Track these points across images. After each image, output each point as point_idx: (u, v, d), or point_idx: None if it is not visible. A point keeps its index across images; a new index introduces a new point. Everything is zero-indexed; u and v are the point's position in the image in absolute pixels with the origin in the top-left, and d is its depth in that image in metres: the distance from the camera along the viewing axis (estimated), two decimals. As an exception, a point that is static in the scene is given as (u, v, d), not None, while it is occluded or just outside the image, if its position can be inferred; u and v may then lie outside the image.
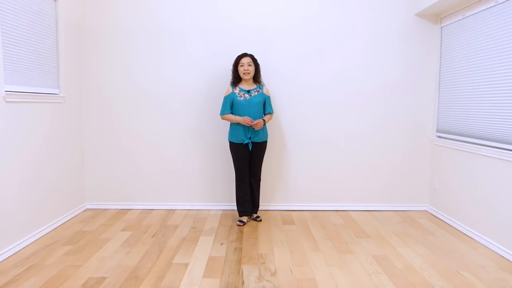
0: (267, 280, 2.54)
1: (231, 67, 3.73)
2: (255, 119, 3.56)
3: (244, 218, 3.71)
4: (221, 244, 3.19)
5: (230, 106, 3.63)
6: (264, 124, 3.64)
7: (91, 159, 4.16)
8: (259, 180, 3.83)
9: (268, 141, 3.91)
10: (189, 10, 4.03)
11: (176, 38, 4.05)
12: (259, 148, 3.70)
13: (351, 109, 4.12)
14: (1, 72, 2.81)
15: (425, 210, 4.19)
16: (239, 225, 3.63)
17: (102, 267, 2.72)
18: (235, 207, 4.07)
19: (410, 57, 4.07)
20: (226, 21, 4.04)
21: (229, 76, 3.85)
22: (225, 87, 3.97)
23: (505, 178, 2.98)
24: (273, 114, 3.84)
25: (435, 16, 4.02)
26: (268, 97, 3.73)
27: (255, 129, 3.56)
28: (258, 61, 3.76)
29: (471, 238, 3.36)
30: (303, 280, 2.55)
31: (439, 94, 4.02)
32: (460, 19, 3.61)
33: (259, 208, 4.08)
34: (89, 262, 2.80)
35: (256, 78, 3.69)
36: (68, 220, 3.77)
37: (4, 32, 2.86)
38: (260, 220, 3.79)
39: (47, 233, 3.41)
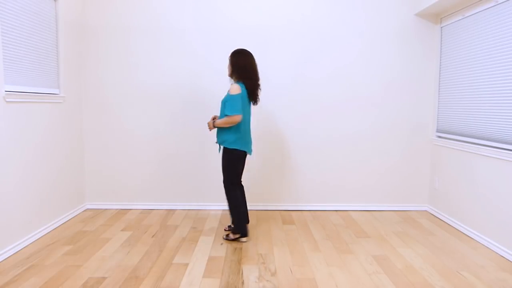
0: (267, 280, 2.54)
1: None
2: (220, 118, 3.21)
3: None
4: (221, 244, 3.19)
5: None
6: (215, 127, 3.20)
7: (91, 159, 4.16)
8: (225, 189, 3.27)
9: (230, 150, 3.16)
10: (189, 9, 4.03)
11: (176, 38, 4.05)
12: (222, 152, 3.28)
13: (351, 109, 4.12)
14: (1, 72, 2.81)
15: (425, 210, 4.19)
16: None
17: (102, 267, 2.72)
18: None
19: (410, 57, 4.07)
20: (226, 20, 4.04)
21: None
22: (226, 87, 3.99)
23: (505, 178, 2.97)
24: (232, 117, 3.04)
25: (435, 16, 4.02)
26: (230, 97, 3.05)
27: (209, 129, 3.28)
28: (257, 60, 3.66)
29: (471, 238, 3.36)
30: (303, 280, 2.55)
31: (439, 94, 4.02)
32: (460, 19, 3.61)
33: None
34: (89, 262, 2.80)
35: (232, 76, 3.24)
36: (68, 220, 3.77)
37: (4, 32, 2.86)
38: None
39: (47, 233, 3.41)
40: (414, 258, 2.91)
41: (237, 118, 3.04)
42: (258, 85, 3.21)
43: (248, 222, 3.31)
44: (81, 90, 4.09)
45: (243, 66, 3.15)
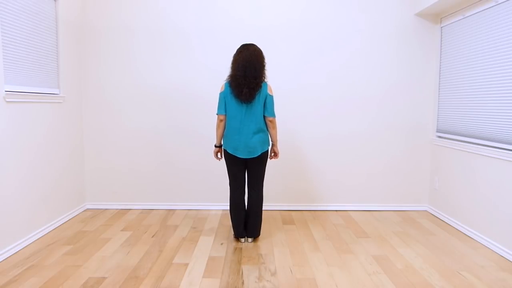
0: (267, 280, 2.54)
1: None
2: None
3: None
4: (221, 244, 3.19)
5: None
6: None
7: (91, 159, 4.16)
8: None
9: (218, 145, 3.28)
10: (189, 9, 4.03)
11: (177, 37, 4.05)
12: None
13: (351, 109, 4.11)
14: (1, 72, 2.81)
15: (425, 210, 4.19)
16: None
17: (102, 267, 2.72)
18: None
19: (410, 57, 4.07)
20: (228, 20, 4.03)
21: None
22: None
23: (505, 178, 2.97)
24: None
25: (435, 16, 4.02)
26: None
27: None
28: None
29: (471, 238, 3.36)
30: (303, 280, 2.55)
31: (439, 94, 4.02)
32: (460, 19, 3.61)
33: None
34: (89, 262, 2.80)
35: None
36: (68, 220, 3.77)
37: (4, 32, 2.86)
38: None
39: (47, 233, 3.41)
40: (414, 258, 2.91)
41: (218, 117, 3.12)
42: (242, 82, 2.97)
43: (242, 225, 3.19)
44: (81, 90, 4.09)
45: (231, 63, 3.09)
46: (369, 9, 4.03)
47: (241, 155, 3.06)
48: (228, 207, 4.19)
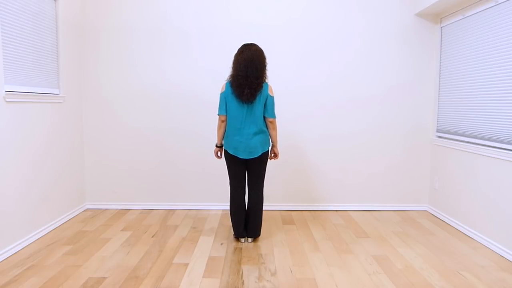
0: (267, 280, 2.54)
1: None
2: None
3: None
4: (221, 244, 3.19)
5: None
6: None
7: (91, 159, 4.16)
8: None
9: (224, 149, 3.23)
10: (190, 9, 4.03)
11: (177, 37, 4.05)
12: None
13: (351, 109, 4.11)
14: (1, 72, 2.81)
15: (425, 210, 4.19)
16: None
17: (102, 267, 2.72)
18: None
19: (410, 57, 4.07)
20: (228, 21, 4.03)
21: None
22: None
23: (505, 178, 2.97)
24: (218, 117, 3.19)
25: (435, 16, 4.02)
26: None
27: None
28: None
29: (471, 238, 3.36)
30: (303, 280, 2.55)
31: (439, 94, 4.02)
32: (460, 19, 3.61)
33: None
34: (89, 262, 2.80)
35: None
36: (68, 220, 3.77)
37: (4, 32, 2.86)
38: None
39: (47, 233, 3.41)
40: (414, 258, 2.91)
41: (219, 118, 3.12)
42: (243, 82, 2.95)
43: (242, 226, 3.19)
44: (81, 90, 4.09)
45: (233, 63, 3.07)
46: (369, 9, 4.03)
47: (242, 155, 3.06)
48: (228, 207, 4.19)
